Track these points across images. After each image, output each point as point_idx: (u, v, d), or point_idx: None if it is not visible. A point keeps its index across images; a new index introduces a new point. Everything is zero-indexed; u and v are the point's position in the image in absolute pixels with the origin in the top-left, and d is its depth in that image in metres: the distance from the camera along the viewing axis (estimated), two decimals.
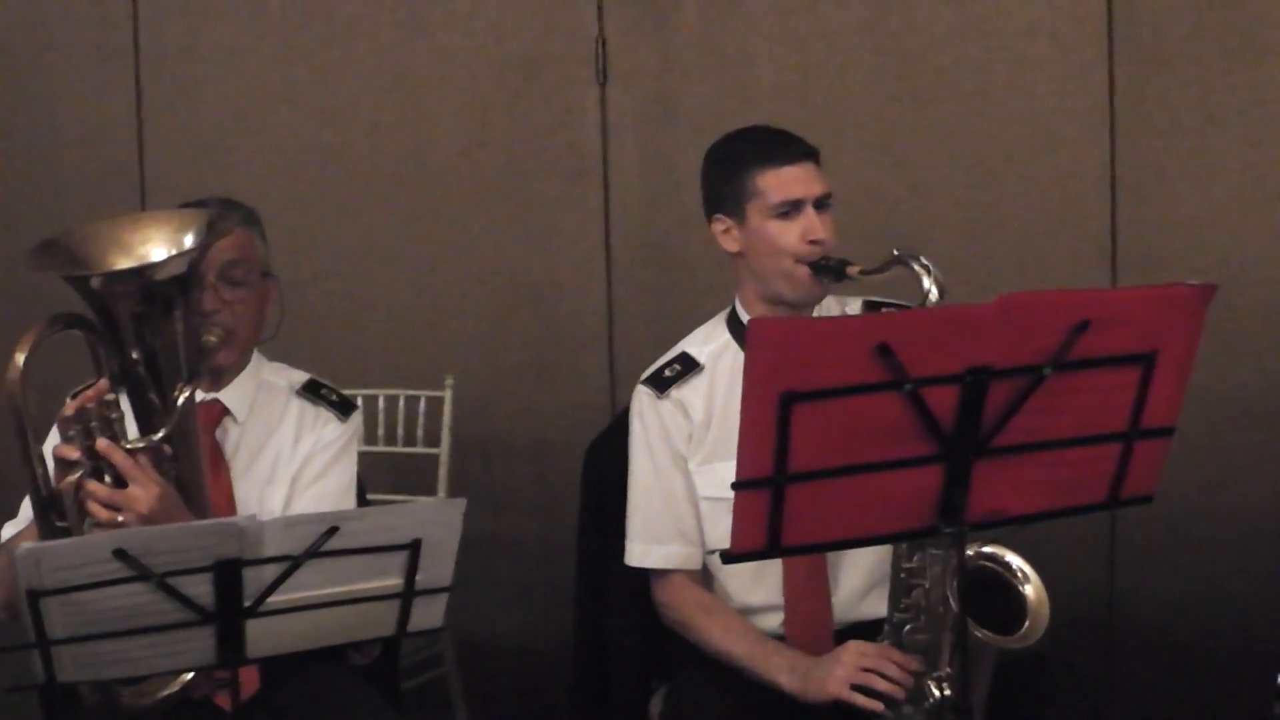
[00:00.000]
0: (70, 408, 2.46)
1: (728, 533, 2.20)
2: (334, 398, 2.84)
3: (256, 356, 2.83)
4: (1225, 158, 3.65)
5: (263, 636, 2.22)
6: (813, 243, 2.68)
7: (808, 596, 2.72)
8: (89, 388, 2.49)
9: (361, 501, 2.89)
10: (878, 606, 2.64)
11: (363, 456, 2.89)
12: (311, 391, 2.83)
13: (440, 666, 3.80)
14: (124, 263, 2.48)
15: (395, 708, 2.84)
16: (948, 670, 2.48)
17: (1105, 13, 3.69)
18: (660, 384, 2.80)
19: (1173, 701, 3.73)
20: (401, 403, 3.96)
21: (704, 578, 2.81)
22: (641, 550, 2.81)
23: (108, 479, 2.45)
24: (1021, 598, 2.53)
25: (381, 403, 3.96)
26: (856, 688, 2.50)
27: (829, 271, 2.67)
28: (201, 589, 2.15)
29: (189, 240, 2.53)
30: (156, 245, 2.53)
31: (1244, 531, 3.68)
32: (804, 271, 2.69)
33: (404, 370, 4.08)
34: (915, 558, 2.51)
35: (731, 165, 2.75)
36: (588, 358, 4.08)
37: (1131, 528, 3.72)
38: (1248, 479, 3.67)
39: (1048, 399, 2.19)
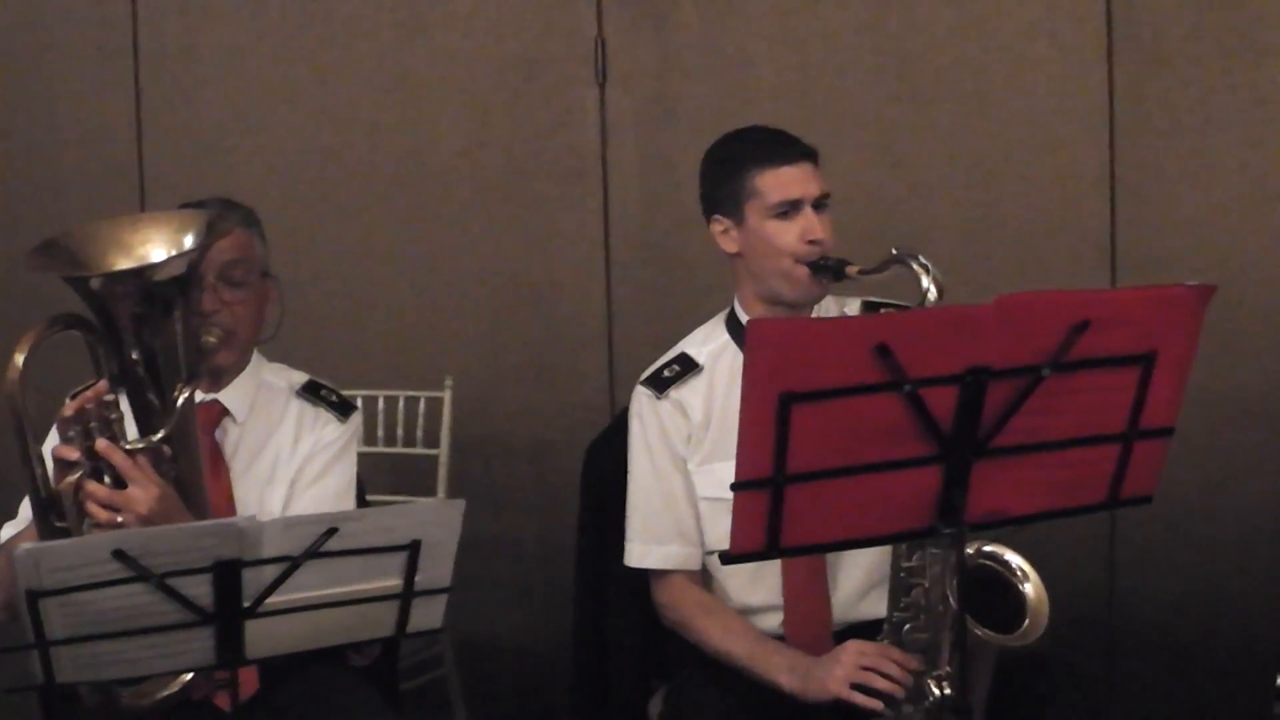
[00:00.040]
0: (70, 408, 2.46)
1: (727, 533, 2.20)
2: (333, 398, 2.84)
3: (256, 357, 2.83)
4: (1225, 158, 3.65)
5: (262, 637, 2.22)
6: (811, 243, 2.69)
7: (807, 597, 2.72)
8: (88, 388, 2.49)
9: (361, 502, 2.89)
10: (877, 607, 2.64)
11: (362, 457, 2.89)
12: (311, 392, 2.83)
13: (440, 667, 3.80)
14: (123, 263, 2.48)
15: (395, 708, 2.85)
16: (947, 669, 2.48)
17: (1105, 13, 3.69)
18: (659, 384, 2.80)
19: (1172, 702, 3.73)
20: (401, 403, 3.96)
21: (703, 578, 2.81)
22: (641, 551, 2.81)
23: (107, 480, 2.45)
24: (1021, 596, 2.53)
25: (381, 403, 3.96)
26: (856, 687, 2.50)
27: (828, 271, 2.67)
28: (201, 589, 2.15)
29: (188, 241, 2.53)
30: (156, 246, 2.53)
31: (1244, 531, 3.68)
32: (803, 271, 2.69)
33: (403, 371, 4.08)
34: (915, 557, 2.51)
35: (730, 165, 2.75)
36: (587, 358, 4.08)
37: (1131, 528, 3.72)
38: (1247, 479, 3.67)
39: (1047, 399, 2.19)
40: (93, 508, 2.43)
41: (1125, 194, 3.71)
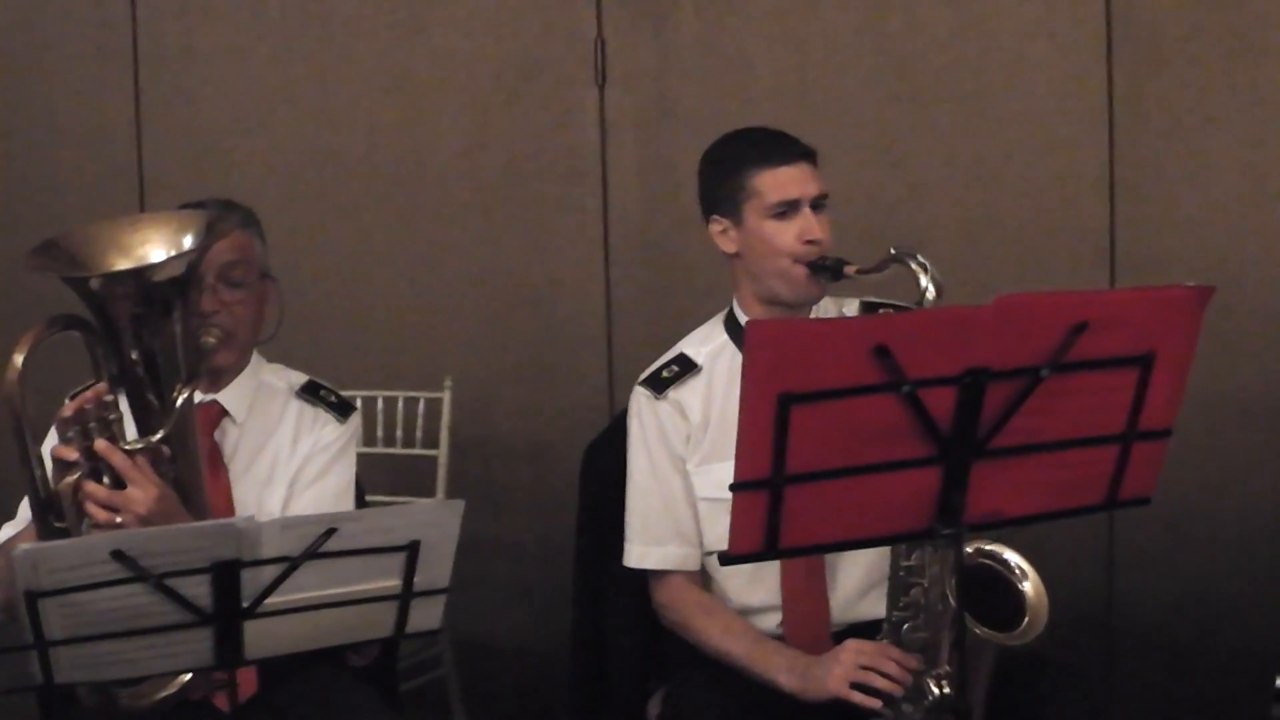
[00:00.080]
0: (69, 409, 2.47)
1: (726, 533, 2.20)
2: (333, 399, 2.84)
3: (255, 358, 2.83)
4: (1224, 158, 3.65)
5: (261, 638, 2.22)
6: (809, 242, 2.69)
7: (806, 597, 2.72)
8: (88, 389, 2.49)
9: (360, 503, 2.89)
10: (876, 607, 2.64)
11: (361, 458, 2.89)
12: (310, 393, 2.83)
13: (439, 668, 3.80)
14: (123, 264, 2.48)
15: (394, 709, 2.85)
16: (947, 668, 2.48)
17: (1104, 13, 3.68)
18: (658, 385, 2.80)
19: (1172, 702, 3.73)
20: (400, 404, 3.96)
21: (702, 578, 2.81)
22: (640, 551, 2.81)
23: (106, 480, 2.45)
24: (1020, 595, 2.53)
25: (380, 404, 3.96)
26: (856, 686, 2.50)
27: (826, 271, 2.67)
28: (199, 590, 2.15)
29: (188, 241, 2.53)
30: (155, 246, 2.53)
31: (1243, 532, 3.67)
32: (801, 271, 2.69)
33: (403, 371, 4.08)
34: (914, 556, 2.51)
35: (728, 166, 2.75)
36: (586, 359, 4.08)
37: (1130, 528, 3.72)
38: (1247, 480, 3.67)
39: (1045, 400, 2.19)
40: (92, 508, 2.44)
41: (1124, 194, 3.71)
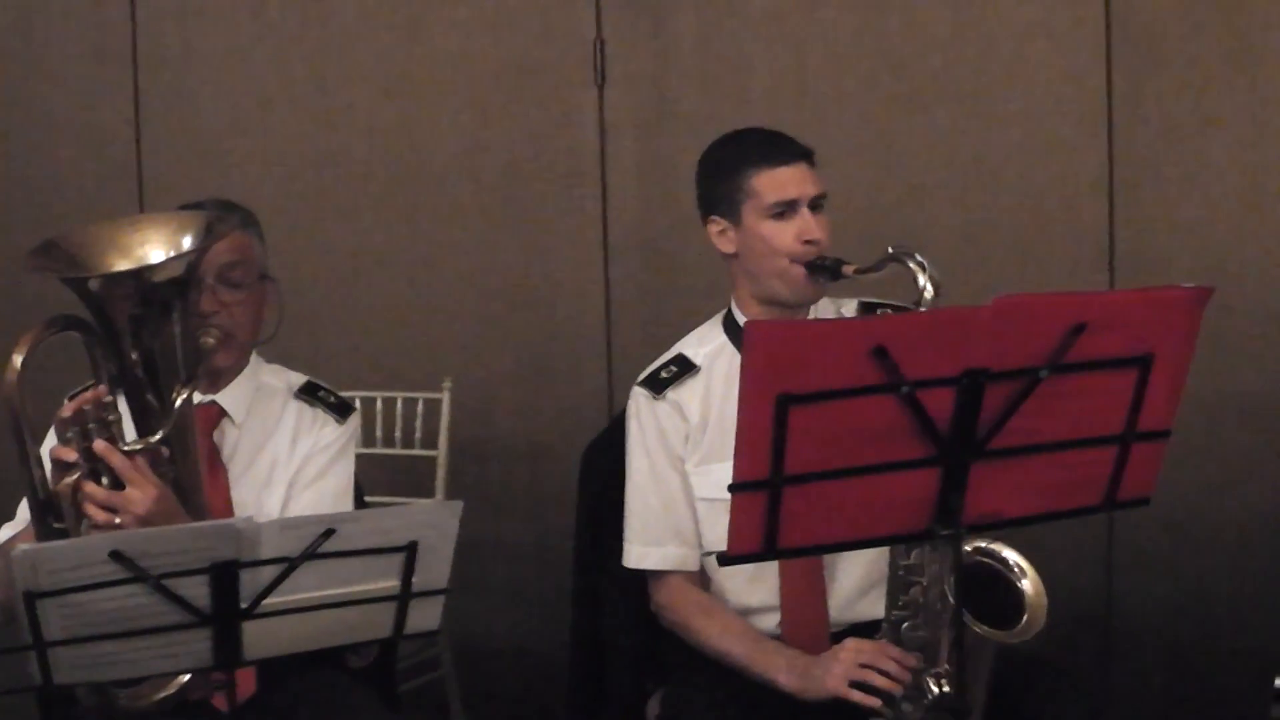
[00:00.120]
0: (68, 409, 2.47)
1: (725, 534, 2.20)
2: (332, 400, 2.84)
3: (254, 358, 2.83)
4: (1223, 159, 3.65)
5: (259, 638, 2.22)
6: (808, 243, 2.69)
7: (804, 597, 2.72)
8: (87, 390, 2.50)
9: (359, 504, 2.88)
10: (874, 607, 2.64)
11: (360, 458, 2.89)
12: (309, 393, 2.83)
13: (438, 669, 3.80)
14: (122, 265, 2.48)
15: (393, 710, 2.85)
16: (946, 667, 2.48)
17: (1103, 14, 3.69)
18: (656, 385, 2.80)
19: (1171, 703, 3.73)
20: (399, 405, 3.96)
21: (701, 579, 2.81)
22: (640, 552, 2.81)
23: (105, 481, 2.45)
24: (1019, 593, 2.53)
25: (379, 405, 3.96)
26: (855, 684, 2.50)
27: (824, 271, 2.67)
28: (198, 591, 2.15)
29: (187, 242, 2.54)
30: (155, 247, 2.53)
31: (1242, 533, 3.67)
32: (799, 271, 2.69)
33: (401, 372, 4.08)
34: (913, 555, 2.51)
35: (726, 167, 2.75)
36: (585, 360, 4.08)
37: (1129, 529, 3.72)
38: (1246, 481, 3.67)
39: (1044, 401, 2.19)
40: (90, 509, 2.44)
41: (1124, 195, 3.71)
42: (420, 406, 3.93)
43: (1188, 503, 3.64)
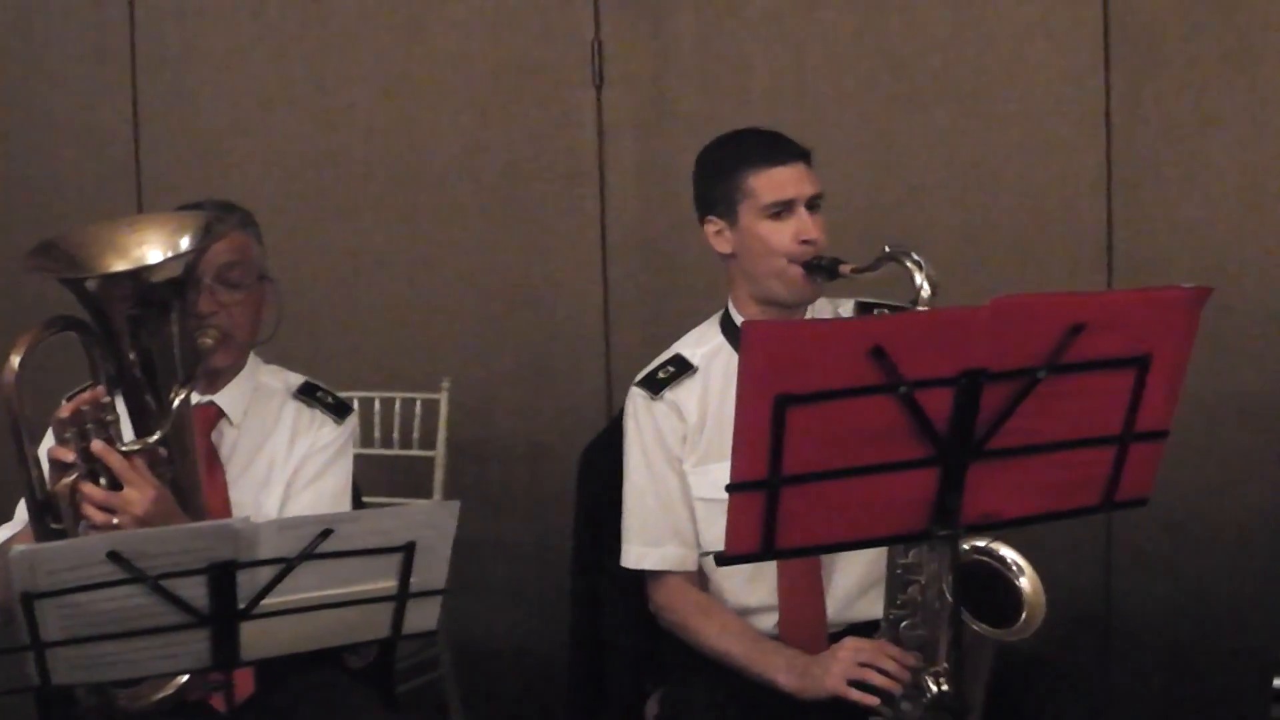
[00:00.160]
0: (66, 410, 2.47)
1: (723, 534, 2.20)
2: (330, 400, 2.84)
3: (253, 359, 2.83)
4: (1222, 159, 3.65)
5: (257, 639, 2.22)
6: (805, 242, 2.69)
7: (802, 597, 2.72)
8: (85, 390, 2.50)
9: (357, 504, 2.88)
10: (872, 608, 2.64)
11: (358, 459, 2.89)
12: (307, 394, 2.83)
13: (437, 669, 3.80)
14: (120, 265, 2.48)
15: (392, 710, 2.85)
16: (945, 665, 2.48)
17: (1102, 14, 3.68)
18: (654, 386, 2.80)
19: (1170, 703, 3.73)
20: (397, 405, 3.96)
21: (700, 579, 2.81)
22: (638, 552, 2.81)
23: (103, 481, 2.45)
24: (1017, 591, 2.53)
25: (377, 405, 3.96)
26: (854, 683, 2.50)
27: (822, 271, 2.67)
28: (196, 591, 2.15)
29: (185, 243, 2.54)
30: (153, 248, 2.53)
31: (1241, 534, 3.67)
32: (797, 271, 2.69)
33: (400, 373, 4.07)
34: (911, 554, 2.51)
35: (723, 167, 2.76)
36: (584, 360, 4.08)
37: (1129, 530, 3.72)
38: (1244, 481, 3.67)
39: (1042, 402, 2.19)
40: (88, 509, 2.44)
41: (1122, 196, 3.71)
42: (418, 407, 3.93)
43: (1187, 503, 3.64)
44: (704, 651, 2.73)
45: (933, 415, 2.16)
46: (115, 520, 2.42)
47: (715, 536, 2.58)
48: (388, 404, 3.96)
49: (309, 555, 2.18)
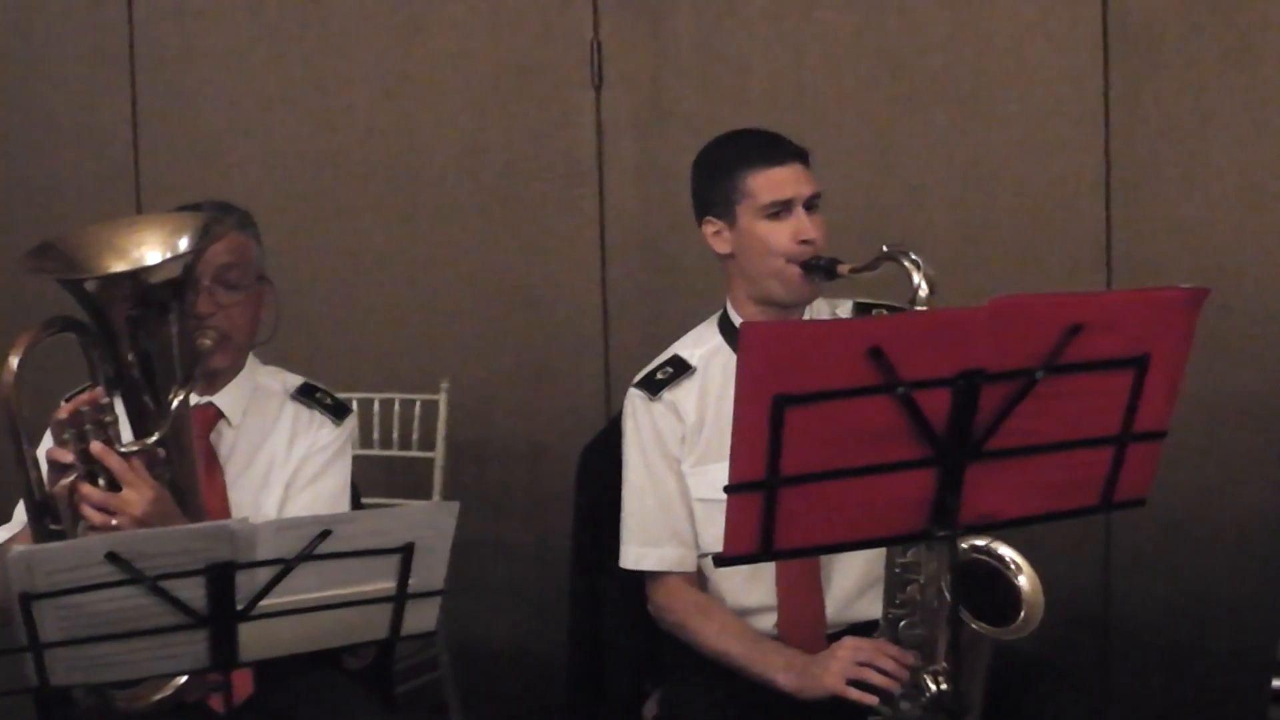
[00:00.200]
0: (64, 411, 2.47)
1: (721, 534, 2.20)
2: (328, 401, 2.84)
3: (251, 360, 2.83)
4: (1221, 160, 3.65)
5: (256, 640, 2.22)
6: (803, 242, 2.69)
7: (801, 598, 2.72)
8: (83, 391, 2.50)
9: (356, 505, 2.88)
10: (872, 608, 2.64)
11: (357, 460, 2.89)
12: (306, 395, 2.83)
13: (436, 669, 3.80)
14: (119, 266, 2.48)
15: (391, 711, 2.85)
16: (944, 664, 2.48)
17: (1101, 15, 3.68)
18: (652, 386, 2.80)
19: (1169, 704, 3.73)
20: (396, 406, 3.96)
21: (699, 579, 2.81)
22: (637, 553, 2.81)
23: (101, 482, 2.45)
24: (1016, 589, 2.53)
25: (376, 406, 3.96)
26: (853, 683, 2.50)
27: (820, 271, 2.67)
28: (194, 592, 2.15)
29: (184, 244, 2.54)
30: (152, 248, 2.53)
31: (1241, 534, 3.67)
32: (795, 271, 2.69)
33: (399, 374, 4.07)
34: (910, 553, 2.51)
35: (721, 167, 2.76)
36: (583, 361, 4.08)
37: (1127, 530, 3.72)
38: (1243, 482, 3.67)
39: (1040, 402, 2.19)
40: (87, 510, 2.43)
41: (1121, 196, 3.71)
42: (417, 408, 3.93)
43: (1187, 503, 3.64)
44: (703, 652, 2.73)
45: (931, 416, 2.16)
46: (114, 521, 2.42)
47: (714, 537, 2.58)
48: (387, 405, 3.96)
49: (307, 556, 2.17)
